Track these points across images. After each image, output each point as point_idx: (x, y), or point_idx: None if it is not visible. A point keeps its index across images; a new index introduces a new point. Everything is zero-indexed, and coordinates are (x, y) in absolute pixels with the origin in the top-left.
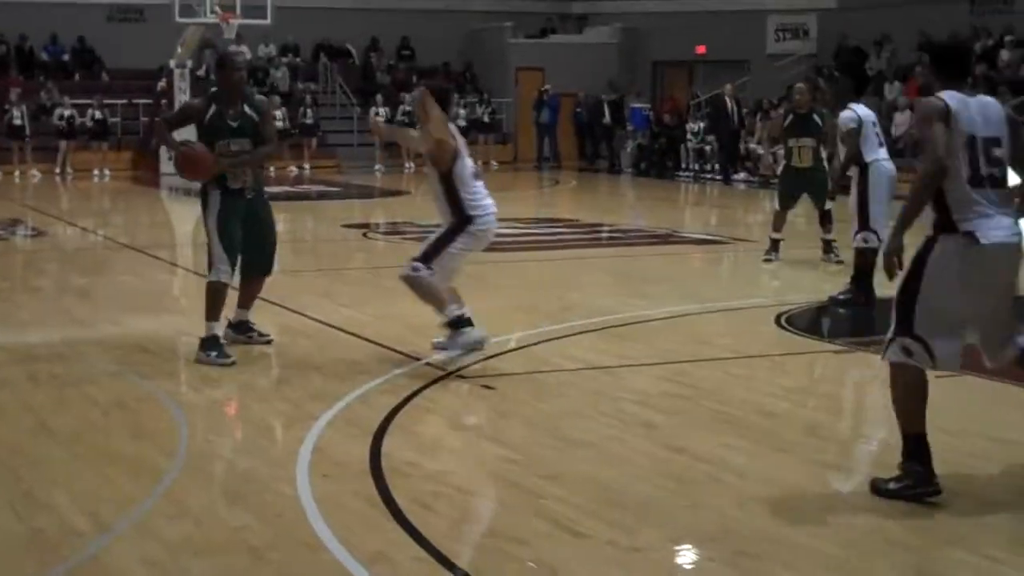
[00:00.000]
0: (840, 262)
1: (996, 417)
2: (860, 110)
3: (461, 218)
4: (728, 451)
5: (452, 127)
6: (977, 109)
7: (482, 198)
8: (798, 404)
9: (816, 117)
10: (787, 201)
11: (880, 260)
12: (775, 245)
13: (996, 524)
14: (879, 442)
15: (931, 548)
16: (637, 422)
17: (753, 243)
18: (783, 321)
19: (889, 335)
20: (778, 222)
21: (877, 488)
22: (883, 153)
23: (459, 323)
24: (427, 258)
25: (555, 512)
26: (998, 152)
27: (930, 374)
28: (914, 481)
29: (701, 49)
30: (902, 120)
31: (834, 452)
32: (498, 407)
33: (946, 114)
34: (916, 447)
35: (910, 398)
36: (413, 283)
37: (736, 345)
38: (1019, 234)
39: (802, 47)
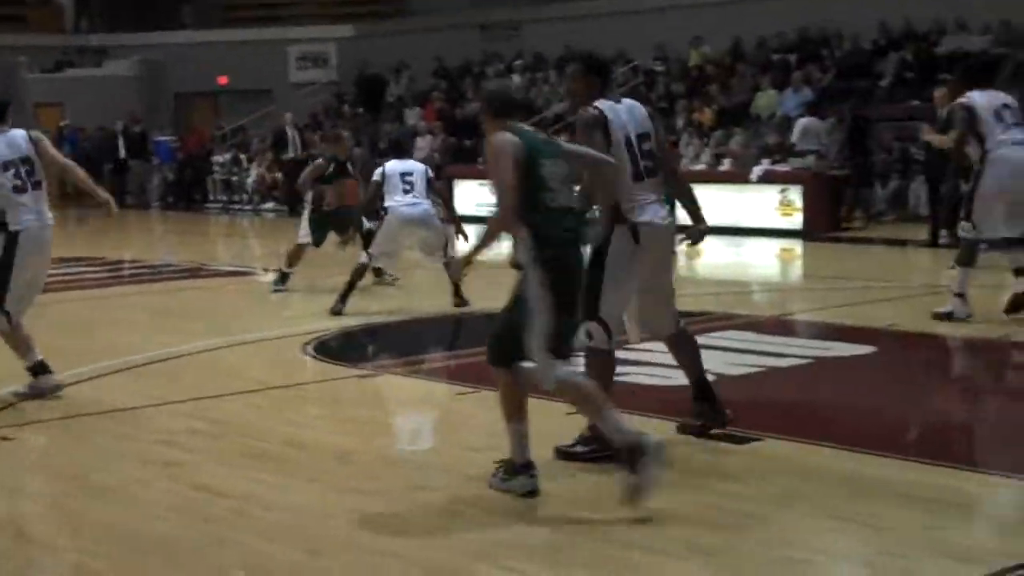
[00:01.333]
0: (396, 279)
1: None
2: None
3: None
4: (256, 485)
5: None
6: (625, 111)
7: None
8: (327, 432)
9: (349, 165)
10: (320, 237)
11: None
12: (284, 277)
13: (520, 537)
14: (409, 463)
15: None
16: (162, 463)
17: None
18: (311, 349)
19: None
20: (296, 256)
21: (562, 453)
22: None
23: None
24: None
25: (81, 565)
26: (648, 146)
27: (451, 392)
28: (600, 445)
29: (223, 80)
30: (423, 144)
31: (363, 476)
32: (24, 460)
33: (604, 121)
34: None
35: (598, 375)
36: None
37: (264, 376)
38: (672, 218)
39: (324, 75)
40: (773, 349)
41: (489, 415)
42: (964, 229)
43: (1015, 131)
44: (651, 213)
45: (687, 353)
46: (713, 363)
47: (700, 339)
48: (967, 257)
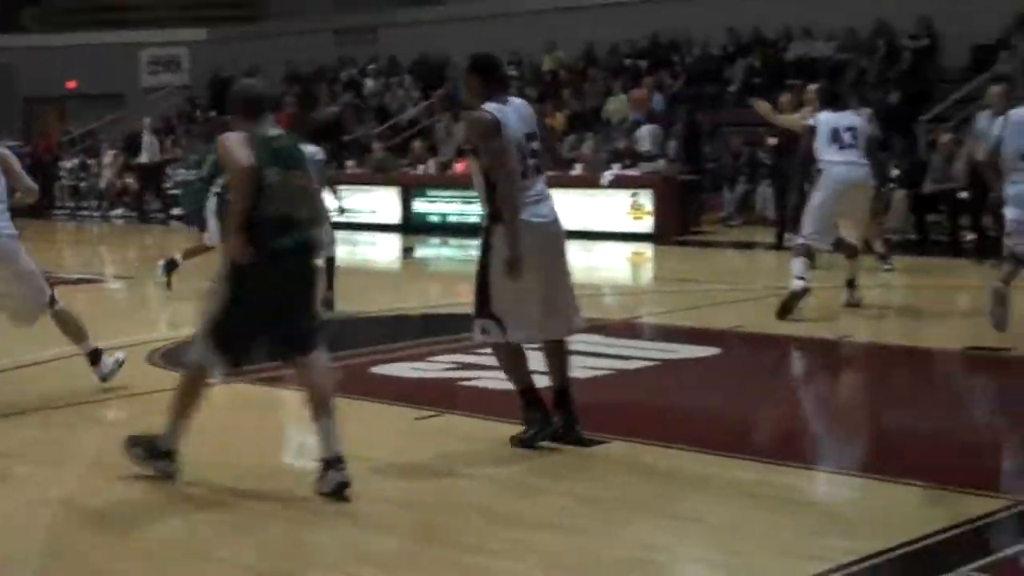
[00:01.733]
0: None
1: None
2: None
3: None
4: (95, 497)
5: None
6: (513, 111)
7: None
8: None
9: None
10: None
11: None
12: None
13: (362, 542)
14: (244, 469)
15: None
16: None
17: (131, 279)
18: (158, 358)
19: (473, 318)
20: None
21: (519, 441)
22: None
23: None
24: None
25: None
26: (535, 145)
27: (298, 398)
28: (539, 427)
29: (72, 84)
30: None
31: (201, 484)
32: None
33: (497, 124)
34: (531, 399)
35: (511, 363)
36: None
37: (110, 385)
38: (557, 217)
39: (176, 79)
40: (621, 352)
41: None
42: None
43: (848, 152)
44: (531, 212)
45: (554, 361)
46: None
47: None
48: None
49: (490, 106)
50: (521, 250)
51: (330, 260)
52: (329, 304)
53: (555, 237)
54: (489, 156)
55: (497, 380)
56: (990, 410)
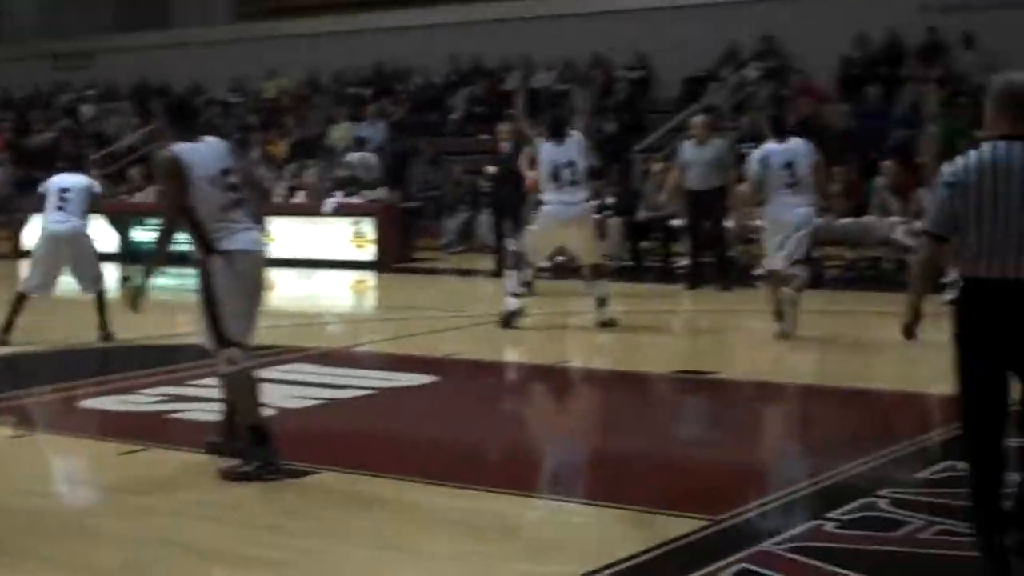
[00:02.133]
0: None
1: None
2: None
3: None
4: None
5: None
6: (205, 148)
7: None
8: None
9: None
10: None
11: None
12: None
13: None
14: None
15: None
16: None
17: None
18: None
19: (213, 351)
20: None
21: (233, 475)
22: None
23: None
24: None
25: None
26: (232, 179)
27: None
28: (263, 461)
29: None
30: None
31: None
32: None
33: (178, 165)
34: (261, 434)
35: (250, 393)
36: None
37: None
38: (261, 245)
39: None
40: (337, 381)
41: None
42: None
43: (563, 192)
44: (239, 241)
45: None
46: (275, 397)
47: (267, 372)
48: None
49: (179, 147)
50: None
51: (100, 294)
52: (108, 337)
53: (260, 265)
54: (165, 194)
55: (206, 412)
56: (696, 432)
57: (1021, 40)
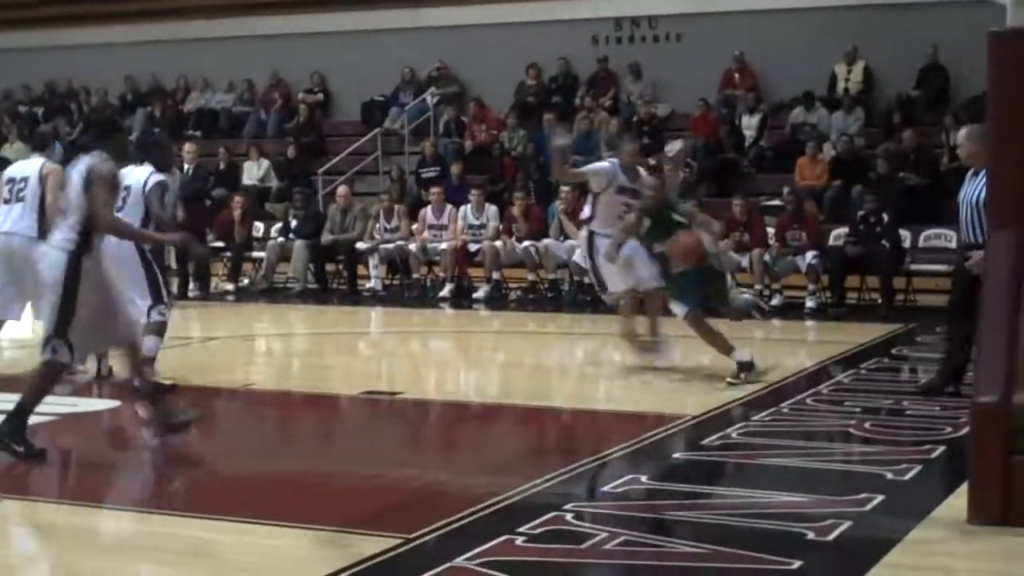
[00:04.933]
0: None
1: None
2: None
3: None
4: None
5: None
6: None
7: None
8: None
9: None
10: None
11: None
12: None
13: None
14: None
15: None
16: None
17: None
18: None
19: (48, 337)
20: None
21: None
22: None
23: None
24: None
25: None
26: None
27: None
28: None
29: None
30: None
31: None
32: None
33: None
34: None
35: (48, 389)
36: None
37: None
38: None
39: None
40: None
41: None
42: None
43: None
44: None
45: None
46: None
47: None
48: None
49: None
50: None
51: None
52: None
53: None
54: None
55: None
56: (388, 452)
57: (683, 71)
